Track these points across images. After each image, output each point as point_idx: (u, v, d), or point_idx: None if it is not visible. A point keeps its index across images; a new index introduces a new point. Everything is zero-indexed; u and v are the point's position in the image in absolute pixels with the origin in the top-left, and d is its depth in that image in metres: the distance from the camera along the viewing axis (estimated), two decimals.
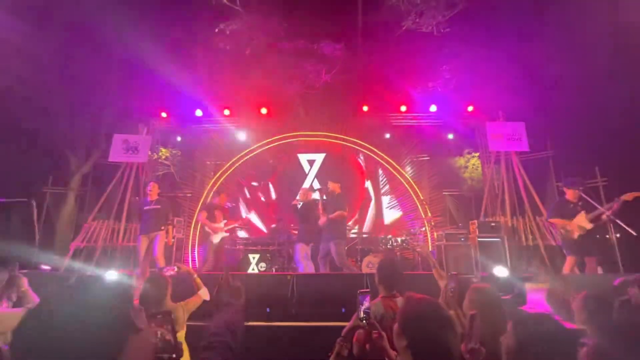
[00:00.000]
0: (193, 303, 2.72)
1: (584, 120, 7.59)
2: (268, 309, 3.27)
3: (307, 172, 8.41)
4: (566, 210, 4.19)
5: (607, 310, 1.75)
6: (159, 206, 5.22)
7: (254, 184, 8.51)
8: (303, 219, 5.36)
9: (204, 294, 2.82)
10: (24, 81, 6.84)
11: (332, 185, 5.33)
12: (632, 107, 6.84)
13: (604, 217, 3.94)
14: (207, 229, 5.66)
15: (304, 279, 3.56)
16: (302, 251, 5.12)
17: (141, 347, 0.70)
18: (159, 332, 1.09)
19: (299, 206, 5.42)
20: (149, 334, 0.78)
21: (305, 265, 5.01)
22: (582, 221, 3.98)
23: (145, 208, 5.23)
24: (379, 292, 2.35)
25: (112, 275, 2.99)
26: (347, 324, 1.87)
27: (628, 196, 3.83)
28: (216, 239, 5.63)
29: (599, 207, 3.97)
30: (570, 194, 4.25)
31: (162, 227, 5.20)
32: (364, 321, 1.71)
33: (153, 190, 5.26)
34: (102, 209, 7.55)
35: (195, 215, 7.01)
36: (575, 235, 4.00)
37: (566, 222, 4.11)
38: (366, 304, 2.07)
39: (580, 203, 4.15)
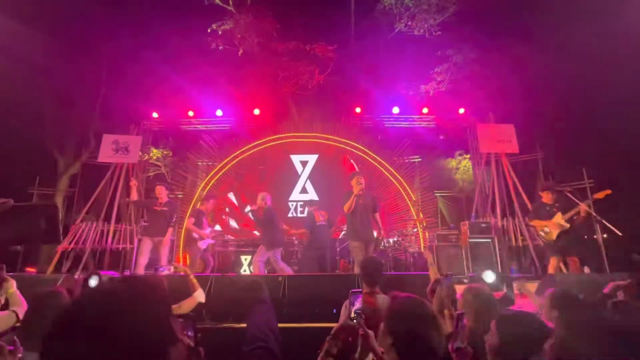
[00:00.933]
0: (187, 305, 2.63)
1: (572, 123, 7.77)
2: None
3: (299, 173, 8.40)
4: (543, 212, 4.38)
5: (573, 306, 1.79)
6: (166, 208, 5.14)
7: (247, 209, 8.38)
8: (267, 225, 5.32)
9: (200, 295, 2.73)
10: (11, 79, 6.71)
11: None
12: (619, 110, 7.02)
13: (580, 215, 4.08)
14: (194, 235, 5.59)
15: (295, 280, 3.55)
16: (262, 254, 5.15)
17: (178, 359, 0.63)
18: (186, 339, 1.00)
19: (255, 211, 5.40)
20: (183, 344, 0.70)
21: (260, 267, 5.07)
22: (560, 221, 4.12)
23: (154, 208, 5.14)
24: (362, 289, 2.45)
25: (96, 280, 2.83)
26: (337, 323, 1.88)
27: (599, 195, 3.98)
28: (202, 245, 5.61)
29: (578, 202, 4.09)
30: (545, 197, 4.47)
31: (170, 227, 5.11)
32: (355, 320, 1.72)
33: (162, 193, 5.20)
34: (91, 210, 7.43)
35: (185, 221, 6.93)
36: (554, 235, 4.15)
37: (544, 223, 4.27)
38: (357, 304, 2.08)
39: (556, 204, 4.35)
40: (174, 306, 2.58)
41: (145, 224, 5.70)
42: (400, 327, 1.13)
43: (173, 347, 0.62)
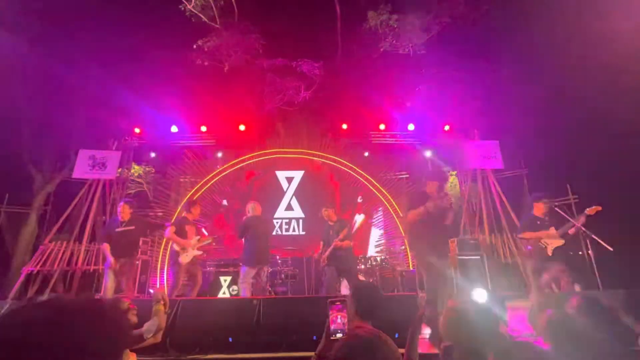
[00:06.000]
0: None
1: (555, 139, 7.87)
2: (230, 339, 2.96)
3: (285, 189, 8.21)
4: (535, 226, 4.10)
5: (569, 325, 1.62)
6: (132, 227, 4.81)
7: (224, 203, 8.13)
8: (254, 236, 4.87)
9: (147, 328, 2.26)
10: None
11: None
12: (602, 126, 7.14)
13: (572, 231, 3.92)
14: (175, 246, 4.91)
15: (271, 304, 3.28)
16: (243, 276, 4.77)
17: None
18: None
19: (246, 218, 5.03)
20: None
21: (245, 288, 4.67)
22: (554, 236, 3.94)
23: (117, 230, 4.77)
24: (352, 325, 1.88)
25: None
26: (320, 342, 1.69)
27: (591, 210, 3.85)
28: (186, 258, 4.85)
29: (570, 219, 3.93)
30: (537, 210, 4.18)
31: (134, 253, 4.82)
32: (335, 335, 1.59)
33: (124, 211, 4.83)
34: (65, 229, 7.01)
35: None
36: (550, 251, 3.94)
37: (540, 237, 4.03)
38: (337, 318, 1.85)
39: (547, 218, 4.10)
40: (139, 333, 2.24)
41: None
42: None
43: None
